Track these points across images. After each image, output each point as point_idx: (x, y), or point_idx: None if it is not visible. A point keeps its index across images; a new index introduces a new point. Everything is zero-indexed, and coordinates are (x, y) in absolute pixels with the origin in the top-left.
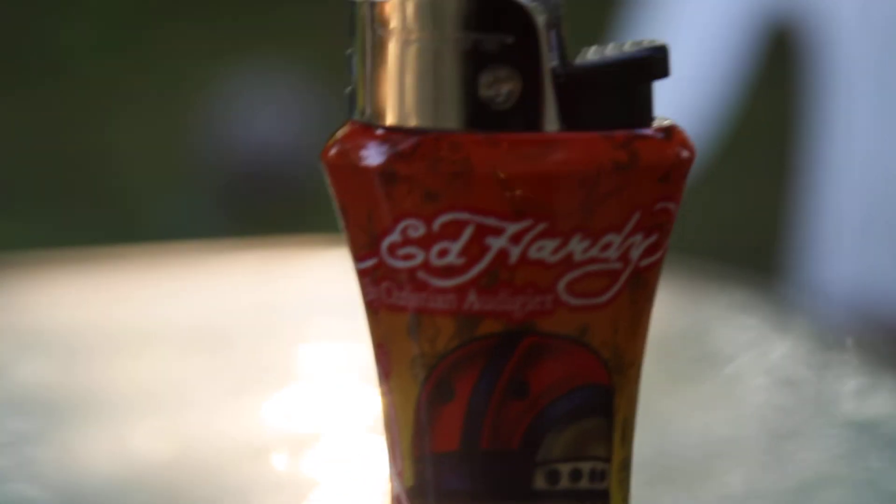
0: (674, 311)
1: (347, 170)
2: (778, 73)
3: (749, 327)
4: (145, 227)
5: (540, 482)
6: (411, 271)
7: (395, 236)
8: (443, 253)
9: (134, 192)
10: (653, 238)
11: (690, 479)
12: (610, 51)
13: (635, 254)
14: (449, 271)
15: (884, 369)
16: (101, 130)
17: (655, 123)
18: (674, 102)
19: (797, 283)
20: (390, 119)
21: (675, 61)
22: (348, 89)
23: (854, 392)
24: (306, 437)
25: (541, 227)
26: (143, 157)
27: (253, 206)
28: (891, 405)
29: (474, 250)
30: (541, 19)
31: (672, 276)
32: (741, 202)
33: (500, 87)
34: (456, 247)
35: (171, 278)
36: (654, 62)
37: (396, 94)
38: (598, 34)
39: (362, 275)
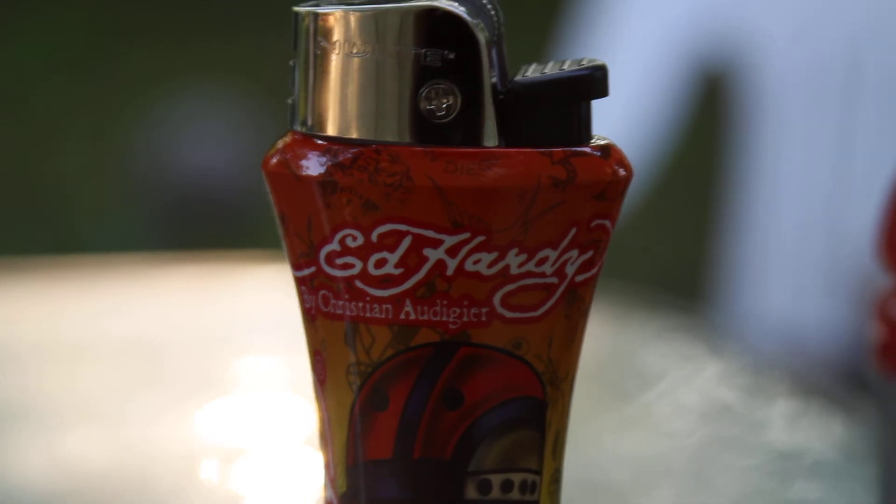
0: (605, 333)
1: (288, 179)
2: (710, 108)
3: (678, 352)
4: (86, 244)
5: (471, 492)
6: (349, 280)
7: (333, 245)
8: (380, 263)
9: (76, 211)
10: (588, 254)
11: (617, 499)
12: (549, 68)
13: (571, 269)
14: (386, 281)
15: (810, 397)
16: (47, 150)
17: (593, 141)
18: (611, 123)
19: (727, 311)
20: (331, 130)
21: (614, 83)
22: (290, 99)
23: (781, 418)
24: (239, 448)
25: (478, 240)
26: (87, 176)
27: (192, 226)
28: (816, 432)
29: (412, 261)
30: (482, 36)
31: (604, 300)
32: (674, 232)
33: (441, 101)
34: (394, 257)
35: (109, 291)
36: (594, 81)
37: (338, 106)
38: (537, 54)
39: (301, 282)
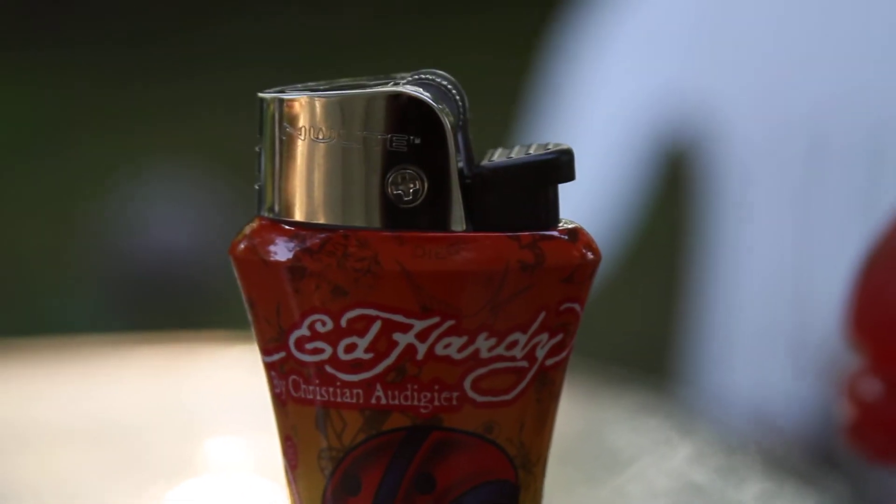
0: (575, 412)
1: (256, 264)
2: (675, 187)
3: (649, 430)
4: (49, 326)
5: None
6: (319, 365)
7: (303, 330)
8: (350, 348)
9: (38, 293)
10: (558, 338)
11: None
12: (516, 153)
13: (541, 353)
14: (356, 366)
15: (784, 475)
16: (7, 231)
17: (561, 225)
18: (577, 205)
19: (696, 389)
20: (298, 215)
21: (579, 165)
22: (257, 185)
23: (756, 497)
24: None
25: (448, 324)
26: (50, 257)
27: (158, 306)
28: None
29: (382, 346)
30: (447, 120)
31: (573, 378)
32: (640, 308)
33: (408, 186)
34: (363, 342)
35: (75, 374)
36: (560, 165)
37: (304, 191)
38: (502, 138)
39: (270, 368)
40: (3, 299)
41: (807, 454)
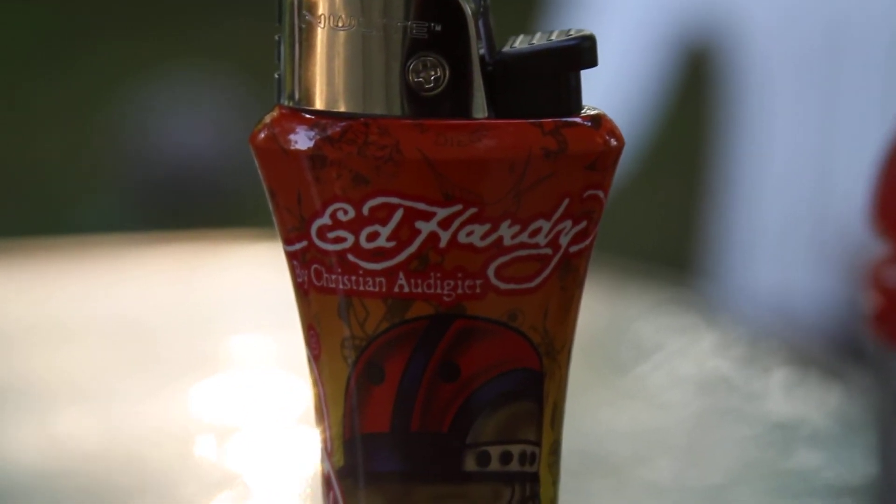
0: (598, 307)
1: (276, 154)
2: (697, 81)
3: (673, 324)
4: (70, 227)
5: (470, 464)
6: (341, 254)
7: (324, 219)
8: (372, 236)
9: (59, 195)
10: (582, 225)
11: (614, 471)
12: (537, 39)
13: (564, 240)
14: (379, 254)
15: (806, 367)
16: (29, 135)
17: (584, 112)
18: (599, 95)
19: (719, 283)
20: (319, 104)
21: (601, 55)
22: (276, 74)
23: (778, 388)
24: (231, 427)
25: (470, 212)
26: (71, 159)
27: (178, 206)
28: (813, 402)
29: (404, 234)
30: (468, 7)
31: (596, 273)
32: (662, 206)
33: (429, 74)
34: (386, 230)
35: (97, 273)
36: (583, 51)
37: (325, 80)
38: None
39: (292, 257)
40: (24, 203)
41: (830, 346)
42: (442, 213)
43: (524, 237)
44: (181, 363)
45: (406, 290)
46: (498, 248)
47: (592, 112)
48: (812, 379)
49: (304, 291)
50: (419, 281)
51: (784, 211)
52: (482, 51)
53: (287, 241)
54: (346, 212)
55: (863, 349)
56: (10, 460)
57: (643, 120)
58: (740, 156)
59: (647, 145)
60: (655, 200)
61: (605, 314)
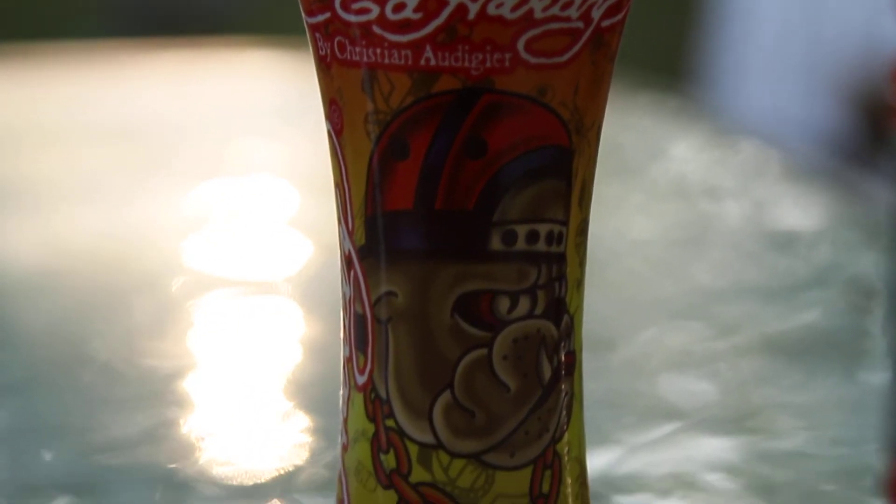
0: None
1: None
2: None
3: (672, 132)
4: (64, 33)
5: (496, 243)
6: (366, 26)
7: None
8: (398, 8)
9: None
10: None
11: (598, 279)
12: None
13: (596, 13)
14: (405, 26)
15: (803, 176)
16: None
17: None
18: None
19: (715, 96)
20: None
21: None
22: None
23: (780, 196)
24: (226, 228)
25: None
26: None
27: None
28: (816, 208)
29: (431, 5)
30: None
31: None
32: (657, 18)
33: None
34: (412, 1)
35: (91, 78)
36: None
37: None
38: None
39: (314, 29)
40: (19, 8)
41: (828, 155)
42: None
43: (555, 9)
44: (176, 166)
45: (432, 63)
46: (528, 20)
47: None
48: (813, 186)
49: (326, 65)
50: (446, 54)
51: (777, 29)
52: None
53: (309, 13)
54: None
55: (860, 157)
56: (8, 259)
57: None
58: None
59: None
60: (652, 15)
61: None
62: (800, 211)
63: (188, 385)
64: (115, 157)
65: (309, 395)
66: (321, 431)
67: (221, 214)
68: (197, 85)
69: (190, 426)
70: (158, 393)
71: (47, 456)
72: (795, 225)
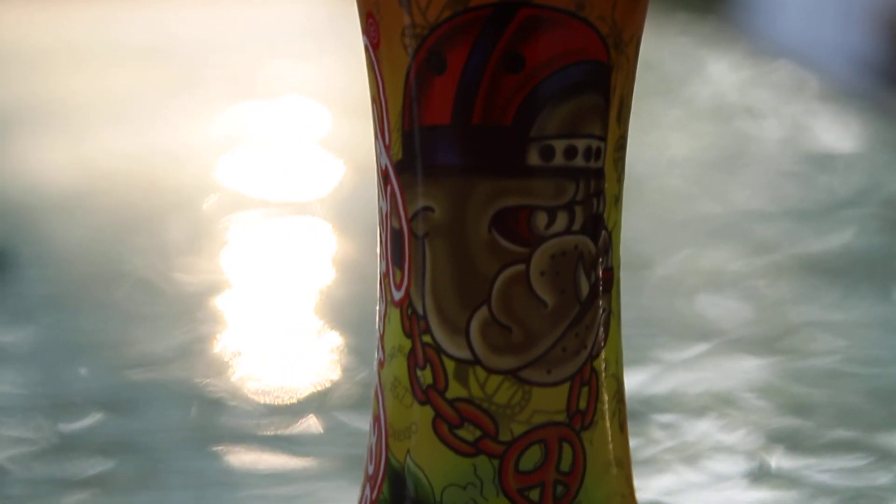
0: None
1: None
2: None
3: (702, 52)
4: None
5: (533, 158)
6: None
7: None
8: None
9: None
10: None
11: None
12: None
13: None
14: None
15: (844, 99)
16: None
17: None
18: None
19: (747, 23)
20: None
21: None
22: None
23: (817, 115)
24: (258, 147)
25: None
26: None
27: None
28: (852, 129)
29: None
30: None
31: None
32: None
33: None
34: None
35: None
36: None
37: None
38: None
39: None
40: None
41: (865, 78)
42: None
43: None
44: (207, 87)
45: None
46: None
47: None
48: (849, 108)
49: None
50: None
51: None
52: None
53: None
54: None
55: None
56: (42, 179)
57: None
58: None
59: None
60: None
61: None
62: (836, 131)
63: (222, 302)
64: (146, 77)
65: (342, 313)
66: (355, 349)
67: (253, 135)
68: (227, 4)
69: (224, 343)
70: (192, 310)
71: (82, 371)
72: (832, 145)
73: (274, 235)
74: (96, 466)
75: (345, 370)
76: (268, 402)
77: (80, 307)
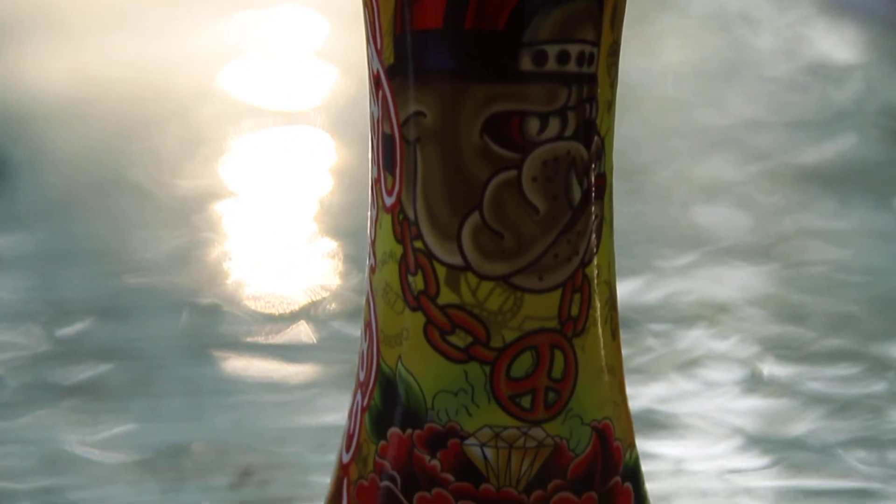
0: None
1: None
2: None
3: None
4: None
5: (526, 64)
6: None
7: None
8: None
9: None
10: None
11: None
12: None
13: None
14: None
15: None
16: None
17: None
18: None
19: None
20: None
21: None
22: None
23: (806, 30)
24: (253, 56)
25: None
26: None
27: None
28: (837, 45)
29: None
30: None
31: None
32: None
33: None
34: None
35: None
36: None
37: None
38: None
39: None
40: None
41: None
42: None
43: None
44: None
45: None
46: None
47: None
48: (848, 18)
49: None
50: None
51: None
52: None
53: None
54: None
55: None
56: (39, 86)
57: None
58: None
59: None
60: None
61: None
62: (835, 41)
63: (218, 209)
64: None
65: (336, 220)
66: (349, 257)
67: (251, 44)
68: None
69: (219, 250)
70: (187, 216)
71: (76, 278)
72: (831, 54)
73: (271, 143)
74: (88, 371)
75: (339, 277)
76: (260, 308)
77: (75, 214)
